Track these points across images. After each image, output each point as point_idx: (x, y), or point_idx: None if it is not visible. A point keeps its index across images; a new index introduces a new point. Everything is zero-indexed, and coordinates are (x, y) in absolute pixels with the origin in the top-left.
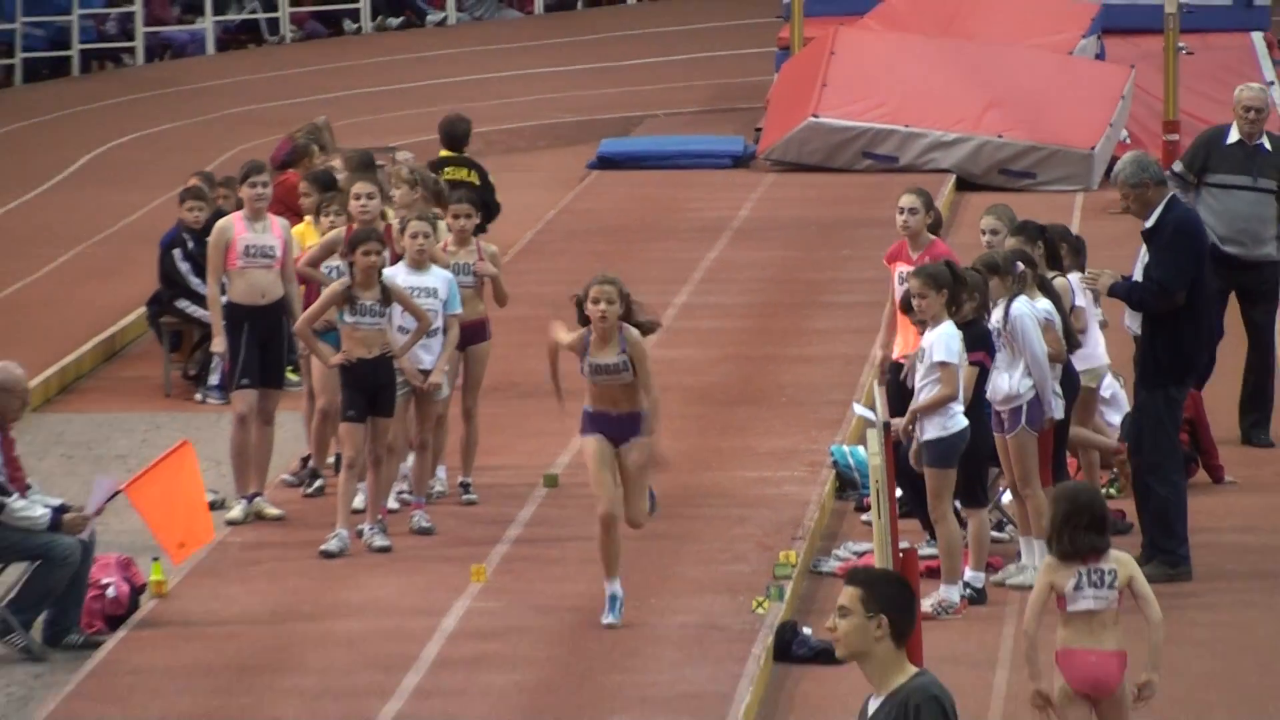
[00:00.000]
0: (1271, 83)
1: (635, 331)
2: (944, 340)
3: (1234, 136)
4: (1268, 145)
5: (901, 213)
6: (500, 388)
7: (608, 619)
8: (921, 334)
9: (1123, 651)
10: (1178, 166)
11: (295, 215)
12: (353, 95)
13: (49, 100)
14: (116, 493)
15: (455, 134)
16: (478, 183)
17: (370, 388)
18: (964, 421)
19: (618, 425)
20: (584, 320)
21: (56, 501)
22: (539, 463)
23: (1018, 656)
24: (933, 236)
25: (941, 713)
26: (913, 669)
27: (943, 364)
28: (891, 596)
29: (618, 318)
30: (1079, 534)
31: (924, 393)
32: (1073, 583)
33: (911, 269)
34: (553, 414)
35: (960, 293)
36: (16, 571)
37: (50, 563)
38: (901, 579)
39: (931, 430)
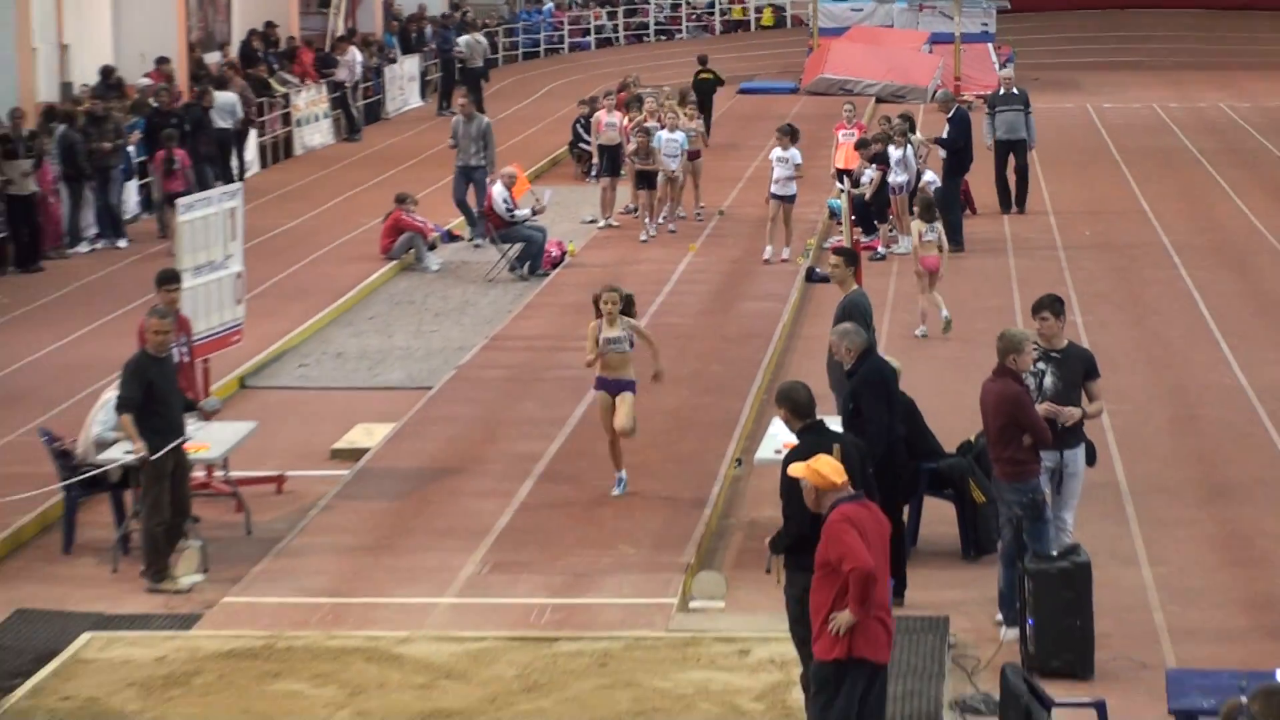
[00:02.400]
0: (994, 62)
1: (631, 319)
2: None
3: (1003, 90)
4: (1015, 91)
5: (845, 110)
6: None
7: (615, 490)
8: (861, 159)
9: (939, 256)
10: (988, 106)
11: (623, 113)
12: (647, 65)
13: (532, 68)
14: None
15: (704, 59)
16: (712, 78)
17: (650, 175)
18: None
19: (615, 386)
20: (598, 312)
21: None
22: (717, 201)
23: (894, 277)
24: (856, 119)
25: (860, 314)
26: (853, 286)
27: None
28: (840, 252)
29: (619, 311)
30: (932, 213)
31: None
32: (926, 228)
33: (844, 132)
34: (727, 175)
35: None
36: (516, 248)
37: (530, 241)
38: (845, 250)
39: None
